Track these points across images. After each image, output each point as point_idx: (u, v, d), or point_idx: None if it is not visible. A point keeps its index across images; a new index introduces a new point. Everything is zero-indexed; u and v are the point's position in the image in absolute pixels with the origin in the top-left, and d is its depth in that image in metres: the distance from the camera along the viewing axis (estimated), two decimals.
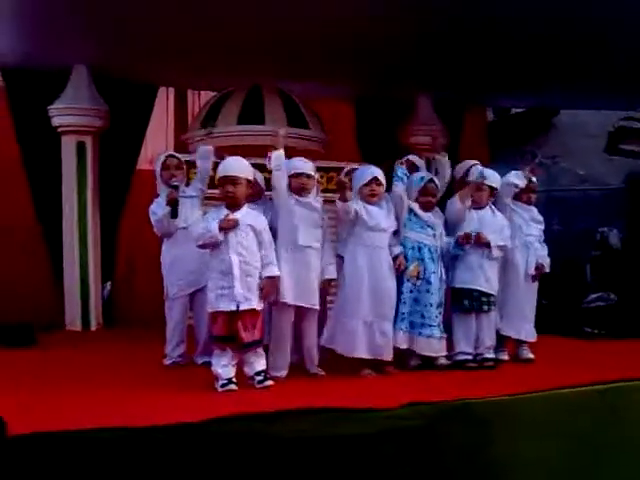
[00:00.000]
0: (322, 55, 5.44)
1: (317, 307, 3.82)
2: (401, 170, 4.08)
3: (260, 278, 3.52)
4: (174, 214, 4.09)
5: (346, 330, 3.80)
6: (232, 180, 3.54)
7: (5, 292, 5.66)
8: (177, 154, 4.39)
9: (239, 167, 3.61)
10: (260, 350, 3.55)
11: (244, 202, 3.60)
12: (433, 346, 3.97)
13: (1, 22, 4.96)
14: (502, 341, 4.32)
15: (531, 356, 4.32)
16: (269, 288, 3.56)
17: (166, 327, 4.23)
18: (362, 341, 3.78)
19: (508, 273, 4.29)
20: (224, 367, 3.46)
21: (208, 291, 3.56)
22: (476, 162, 4.45)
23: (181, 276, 4.16)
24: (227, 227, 3.47)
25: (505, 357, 4.29)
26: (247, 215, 3.57)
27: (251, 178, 3.66)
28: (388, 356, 3.85)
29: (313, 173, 3.87)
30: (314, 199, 3.88)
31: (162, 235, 4.23)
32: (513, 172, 4.36)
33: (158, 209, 4.16)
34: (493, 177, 4.22)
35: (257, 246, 3.54)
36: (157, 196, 4.29)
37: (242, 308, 3.44)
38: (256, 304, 3.49)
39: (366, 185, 3.90)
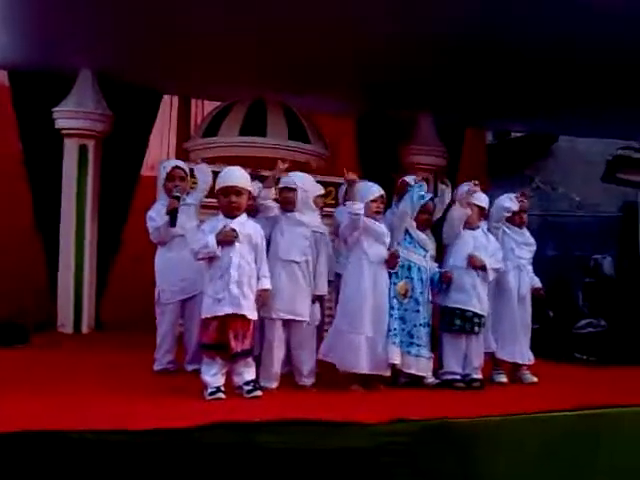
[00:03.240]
0: (326, 72, 5.51)
1: (305, 319, 3.83)
2: (419, 189, 4.10)
3: (253, 287, 3.54)
4: (172, 223, 4.11)
5: (349, 345, 3.79)
6: (236, 190, 3.57)
7: (1, 292, 5.67)
8: (182, 165, 4.40)
9: (242, 178, 3.64)
10: (250, 360, 3.56)
11: (243, 211, 3.64)
12: (421, 365, 3.98)
13: (9, 25, 5.03)
14: (499, 364, 4.34)
15: (534, 379, 4.30)
16: (263, 300, 3.59)
17: (157, 333, 4.25)
18: (364, 357, 3.79)
19: (501, 296, 4.31)
20: (213, 376, 3.46)
21: (204, 297, 3.57)
22: (476, 183, 4.48)
23: (174, 282, 4.18)
24: (225, 241, 3.49)
25: (503, 379, 4.29)
26: (245, 224, 3.60)
27: (251, 189, 3.71)
28: (387, 371, 3.88)
29: (298, 186, 3.89)
30: (310, 214, 3.91)
31: (157, 242, 4.26)
32: (505, 195, 4.41)
33: (157, 217, 4.17)
34: (482, 197, 4.25)
35: (253, 256, 3.57)
36: (154, 202, 4.33)
37: (235, 312, 3.45)
38: (249, 312, 3.50)
39: (374, 201, 3.94)
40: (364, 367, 3.80)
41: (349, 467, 2.88)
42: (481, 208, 4.25)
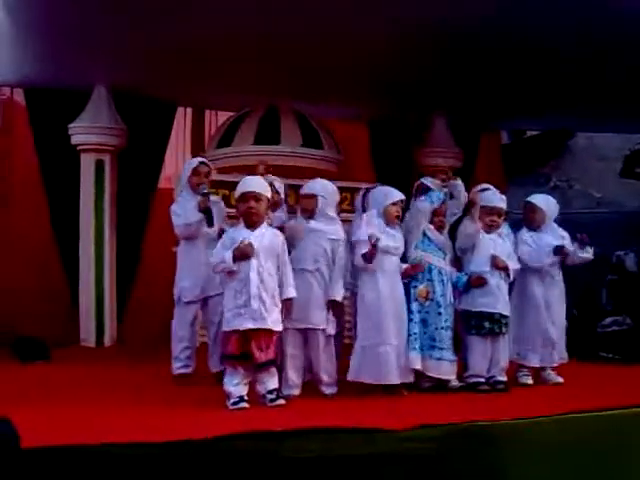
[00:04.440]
0: (338, 76, 5.50)
1: (320, 327, 3.79)
2: (437, 191, 4.11)
3: (276, 298, 3.53)
4: (210, 222, 4.12)
5: (377, 357, 3.77)
6: (255, 197, 3.57)
7: (21, 307, 5.73)
8: (207, 161, 4.43)
9: (261, 184, 3.65)
10: (273, 369, 3.55)
11: (263, 220, 3.63)
12: (444, 369, 3.95)
13: (23, 44, 5.09)
14: (524, 365, 4.30)
15: (559, 379, 4.27)
16: (287, 309, 3.58)
17: (174, 333, 4.20)
18: (395, 366, 3.78)
19: (524, 300, 4.28)
20: (236, 386, 3.46)
21: (225, 310, 3.56)
22: (488, 186, 4.46)
23: (196, 280, 4.14)
24: (241, 257, 3.47)
25: (529, 381, 4.25)
26: (265, 235, 3.58)
27: (270, 197, 3.69)
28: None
29: (318, 193, 3.88)
30: (329, 221, 3.90)
31: (185, 238, 4.22)
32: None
33: (182, 212, 4.16)
34: (494, 198, 4.22)
35: (275, 266, 3.56)
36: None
37: (257, 327, 3.44)
38: (272, 325, 3.49)
39: (394, 204, 3.92)
40: (394, 377, 3.78)
41: (375, 474, 2.85)
42: (494, 209, 4.20)
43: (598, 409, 3.38)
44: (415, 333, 3.89)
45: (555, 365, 4.34)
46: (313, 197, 3.89)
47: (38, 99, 6.03)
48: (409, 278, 3.93)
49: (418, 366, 3.87)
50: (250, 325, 3.43)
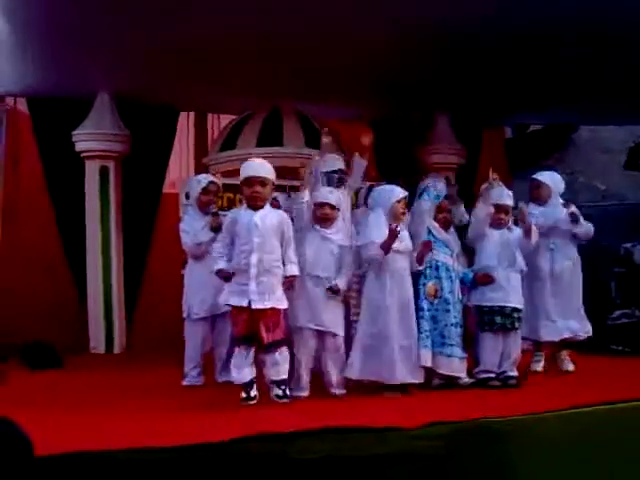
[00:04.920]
0: (338, 77, 5.49)
1: (331, 330, 3.80)
2: (434, 189, 4.10)
3: (279, 276, 3.53)
4: None
5: (382, 357, 3.77)
6: (261, 181, 3.57)
7: (31, 315, 5.75)
8: (217, 180, 4.44)
9: (267, 169, 3.65)
10: (284, 351, 3.53)
11: (267, 203, 3.63)
12: (454, 365, 3.95)
13: (26, 54, 5.10)
14: (541, 348, 4.29)
15: (570, 367, 4.25)
16: (288, 286, 3.58)
17: (185, 347, 4.25)
18: (401, 365, 3.77)
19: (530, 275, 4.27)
20: (244, 369, 3.47)
21: (225, 287, 3.58)
22: (495, 177, 4.45)
23: (205, 297, 4.18)
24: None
25: (539, 368, 4.24)
26: (268, 215, 3.58)
27: (274, 181, 3.69)
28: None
29: (337, 204, 3.91)
30: (339, 227, 3.93)
31: (194, 257, 4.26)
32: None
33: (191, 230, 4.19)
34: (501, 195, 4.20)
35: (279, 245, 3.56)
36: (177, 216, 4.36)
37: (255, 307, 3.44)
38: (277, 303, 3.49)
39: (398, 202, 3.91)
40: (401, 377, 3.77)
41: (385, 473, 2.85)
42: (501, 206, 4.18)
43: (609, 402, 3.37)
44: (426, 330, 3.89)
45: (568, 337, 4.27)
46: (334, 208, 3.88)
47: (41, 108, 6.04)
48: (421, 266, 3.90)
49: (429, 363, 3.87)
50: (245, 304, 3.43)
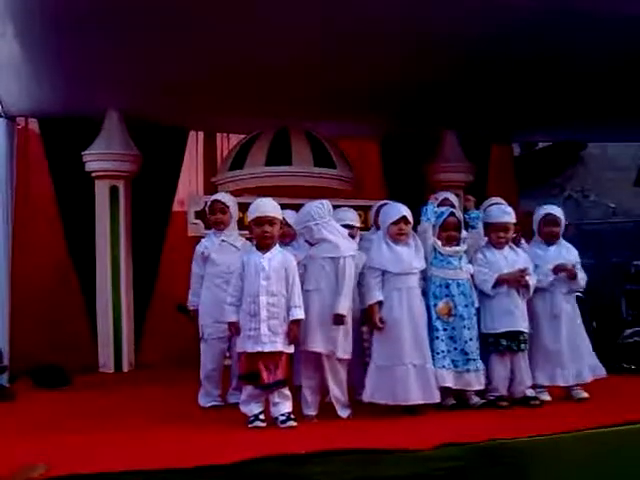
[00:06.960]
0: (347, 95, 5.52)
1: (326, 351, 3.68)
2: (432, 207, 4.07)
3: (286, 319, 3.54)
4: None
5: (395, 378, 3.71)
6: (269, 220, 3.60)
7: (40, 335, 5.76)
8: (222, 198, 4.43)
9: (275, 208, 3.68)
10: (285, 391, 3.54)
11: (276, 242, 3.66)
12: (480, 380, 3.90)
13: (36, 75, 5.16)
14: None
15: (584, 395, 4.15)
16: (294, 331, 3.57)
17: (201, 368, 4.22)
18: (415, 386, 3.71)
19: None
20: (249, 405, 3.52)
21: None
22: (497, 200, 4.43)
23: (219, 318, 4.15)
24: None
25: (547, 397, 4.18)
26: (274, 257, 3.60)
27: (282, 219, 3.73)
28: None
29: (357, 224, 4.04)
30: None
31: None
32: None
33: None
34: (507, 214, 4.15)
35: (285, 288, 3.57)
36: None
37: (266, 350, 3.48)
38: (281, 346, 3.51)
39: (395, 224, 3.88)
40: (415, 398, 3.71)
41: None
42: (499, 225, 4.12)
43: (624, 423, 3.32)
44: (443, 351, 3.84)
45: (570, 385, 4.16)
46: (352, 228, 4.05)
47: (52, 128, 6.10)
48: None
49: (449, 383, 3.81)
50: (259, 348, 3.48)
